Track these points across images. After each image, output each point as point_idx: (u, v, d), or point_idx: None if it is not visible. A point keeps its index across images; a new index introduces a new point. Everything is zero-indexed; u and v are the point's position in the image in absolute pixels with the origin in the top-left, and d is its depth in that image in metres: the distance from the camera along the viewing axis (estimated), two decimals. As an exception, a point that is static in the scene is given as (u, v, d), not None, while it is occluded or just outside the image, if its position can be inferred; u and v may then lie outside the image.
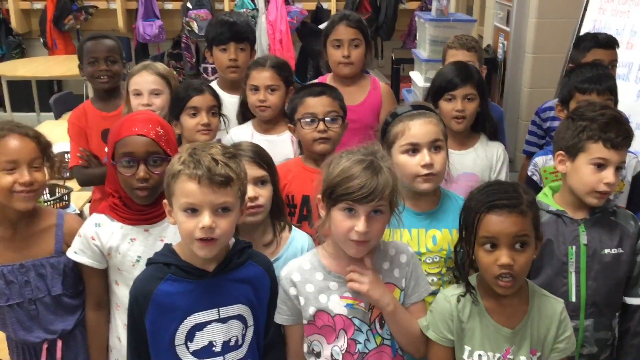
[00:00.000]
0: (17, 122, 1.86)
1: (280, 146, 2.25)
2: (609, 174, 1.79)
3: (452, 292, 1.69)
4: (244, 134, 2.48)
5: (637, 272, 1.89)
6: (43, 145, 1.84)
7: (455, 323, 1.66)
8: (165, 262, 1.60)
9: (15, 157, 1.77)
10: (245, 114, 2.58)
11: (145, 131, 1.78)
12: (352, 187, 1.53)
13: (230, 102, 2.60)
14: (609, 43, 2.70)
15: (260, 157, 1.86)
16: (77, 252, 1.85)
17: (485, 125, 2.40)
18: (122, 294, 1.85)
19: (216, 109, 2.37)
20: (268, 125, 2.48)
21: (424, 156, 1.82)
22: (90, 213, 2.80)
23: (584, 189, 1.84)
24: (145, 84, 2.47)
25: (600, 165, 1.81)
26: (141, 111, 2.32)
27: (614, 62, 2.67)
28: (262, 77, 2.44)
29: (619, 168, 1.82)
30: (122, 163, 1.78)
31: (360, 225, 1.54)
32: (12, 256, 1.85)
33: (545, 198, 1.93)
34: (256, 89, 2.44)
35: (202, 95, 2.32)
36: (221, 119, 2.42)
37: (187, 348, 1.60)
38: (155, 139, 1.78)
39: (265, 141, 2.39)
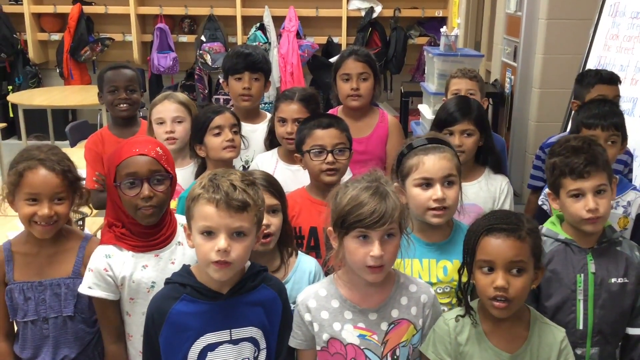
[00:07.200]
0: (54, 150, 1.88)
1: (303, 177, 2.27)
2: (588, 202, 1.83)
3: (451, 315, 1.71)
4: (269, 161, 2.53)
5: None
6: (70, 180, 1.86)
7: (452, 346, 1.67)
8: (181, 283, 1.64)
9: (37, 191, 1.81)
10: (272, 141, 2.62)
11: (146, 151, 1.81)
12: (363, 213, 1.56)
13: (244, 130, 2.66)
14: (612, 79, 2.75)
15: (273, 186, 1.90)
16: (91, 287, 1.82)
17: (488, 158, 2.41)
18: (133, 323, 1.86)
19: (237, 127, 2.39)
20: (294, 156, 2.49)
21: (437, 191, 1.85)
22: (102, 237, 2.85)
23: (574, 220, 1.87)
24: (168, 112, 2.53)
25: (578, 195, 1.85)
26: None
27: (617, 98, 2.70)
28: (290, 110, 2.48)
29: (600, 192, 1.84)
30: (125, 184, 1.79)
31: (375, 250, 1.57)
32: (33, 273, 1.88)
33: (554, 227, 1.95)
34: (284, 121, 2.49)
35: (222, 115, 2.35)
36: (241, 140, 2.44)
37: (200, 368, 1.62)
38: (156, 157, 1.81)
39: (288, 171, 2.45)
